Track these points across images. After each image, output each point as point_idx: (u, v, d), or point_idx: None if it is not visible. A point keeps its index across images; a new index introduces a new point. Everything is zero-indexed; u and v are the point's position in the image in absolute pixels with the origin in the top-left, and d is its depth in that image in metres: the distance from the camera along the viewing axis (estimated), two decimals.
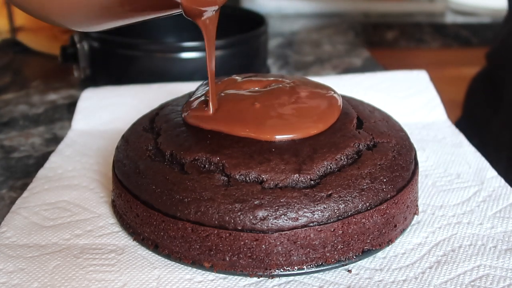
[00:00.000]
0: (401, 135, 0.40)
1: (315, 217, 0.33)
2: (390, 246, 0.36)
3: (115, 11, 0.32)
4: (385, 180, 0.35)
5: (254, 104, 0.37)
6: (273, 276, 0.33)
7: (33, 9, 0.32)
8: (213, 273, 0.34)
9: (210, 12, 0.35)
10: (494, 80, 0.71)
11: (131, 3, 0.31)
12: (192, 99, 0.40)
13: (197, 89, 0.42)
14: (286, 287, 0.33)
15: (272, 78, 0.42)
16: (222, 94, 0.39)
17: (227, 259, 0.33)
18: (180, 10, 0.33)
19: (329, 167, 0.35)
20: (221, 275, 0.34)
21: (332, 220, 0.33)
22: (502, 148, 0.65)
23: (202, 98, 0.40)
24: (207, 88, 0.41)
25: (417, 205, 0.39)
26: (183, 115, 0.39)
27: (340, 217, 0.33)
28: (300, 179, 0.34)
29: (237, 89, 0.40)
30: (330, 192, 0.33)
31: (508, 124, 0.66)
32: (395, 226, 0.36)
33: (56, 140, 0.53)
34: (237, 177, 0.34)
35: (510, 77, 0.66)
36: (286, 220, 0.32)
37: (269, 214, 0.32)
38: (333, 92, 0.40)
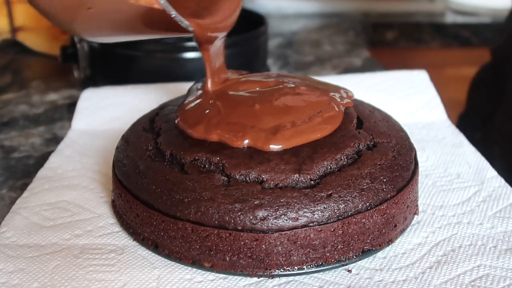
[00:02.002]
0: (401, 135, 0.40)
1: (315, 217, 0.33)
2: (390, 246, 0.36)
3: (131, 30, 0.35)
4: (385, 180, 0.35)
5: (254, 105, 0.37)
6: (273, 276, 0.33)
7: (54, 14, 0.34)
8: (213, 273, 0.34)
9: (219, 40, 0.39)
10: (499, 74, 0.71)
11: (148, 26, 0.34)
12: (186, 101, 0.40)
13: (189, 90, 0.42)
14: (286, 287, 0.33)
15: (272, 79, 0.41)
16: (221, 95, 0.39)
17: (227, 259, 0.33)
18: (191, 34, 0.36)
19: (329, 167, 0.35)
20: (221, 275, 0.34)
21: (332, 220, 0.33)
22: (506, 141, 0.65)
23: (197, 101, 0.39)
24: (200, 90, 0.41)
25: (417, 205, 0.39)
26: (176, 121, 0.38)
27: (340, 217, 0.33)
28: (300, 179, 0.34)
29: (237, 89, 0.40)
30: (330, 192, 0.33)
31: None
32: (395, 226, 0.36)
33: (56, 140, 0.53)
34: (237, 177, 0.34)
35: None
36: (286, 220, 0.32)
37: (269, 214, 0.32)
38: (338, 95, 0.40)
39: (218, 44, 0.39)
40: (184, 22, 0.33)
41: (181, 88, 0.55)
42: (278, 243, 0.32)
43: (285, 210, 0.32)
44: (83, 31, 0.35)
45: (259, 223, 0.32)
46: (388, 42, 1.02)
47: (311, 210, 0.32)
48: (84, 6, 0.31)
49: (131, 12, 0.32)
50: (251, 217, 0.32)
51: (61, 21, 0.35)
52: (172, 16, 0.32)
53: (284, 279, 0.33)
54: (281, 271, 0.33)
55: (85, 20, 0.33)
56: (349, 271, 0.34)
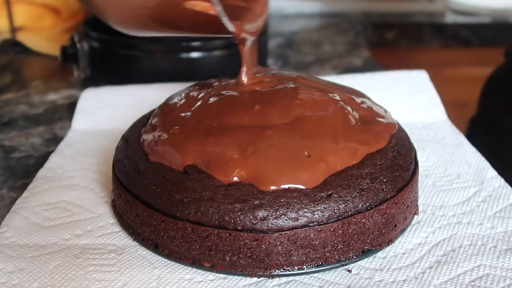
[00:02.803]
0: (401, 135, 0.40)
1: (315, 217, 0.33)
2: (390, 246, 0.36)
3: (171, 26, 0.36)
4: (385, 180, 0.35)
5: (254, 105, 0.37)
6: (273, 276, 0.33)
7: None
8: (213, 273, 0.34)
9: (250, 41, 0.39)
10: None
11: (192, 26, 0.36)
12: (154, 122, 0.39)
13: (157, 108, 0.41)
14: (286, 287, 0.33)
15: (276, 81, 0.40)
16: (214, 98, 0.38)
17: (227, 259, 0.33)
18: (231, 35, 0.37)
19: None
20: (221, 275, 0.34)
21: (332, 220, 0.33)
22: None
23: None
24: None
25: (417, 205, 0.39)
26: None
27: (340, 217, 0.33)
28: None
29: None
30: (330, 192, 0.33)
31: None
32: (395, 226, 0.36)
33: (56, 140, 0.53)
34: None
35: None
36: (286, 220, 0.32)
37: (269, 214, 0.32)
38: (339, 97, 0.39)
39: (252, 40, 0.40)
40: (230, 26, 0.34)
41: (181, 88, 0.55)
42: (278, 243, 0.32)
43: (285, 210, 0.32)
44: (118, 23, 0.37)
45: (259, 223, 0.32)
46: (388, 42, 1.02)
47: (311, 210, 0.32)
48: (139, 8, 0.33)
49: (182, 13, 0.33)
50: (251, 217, 0.32)
51: (107, 15, 0.36)
52: (223, 21, 0.33)
53: (284, 279, 0.33)
54: (281, 271, 0.33)
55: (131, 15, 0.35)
56: (349, 271, 0.34)
